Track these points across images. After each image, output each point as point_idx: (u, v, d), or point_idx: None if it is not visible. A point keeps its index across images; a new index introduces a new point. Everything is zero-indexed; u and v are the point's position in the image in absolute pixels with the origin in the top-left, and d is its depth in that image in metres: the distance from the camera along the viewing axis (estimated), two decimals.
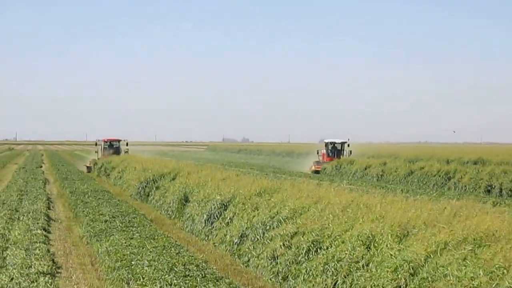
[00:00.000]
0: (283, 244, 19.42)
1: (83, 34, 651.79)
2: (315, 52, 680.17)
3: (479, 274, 12.00)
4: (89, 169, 72.30)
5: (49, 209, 34.55)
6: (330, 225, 18.51)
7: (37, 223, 27.60)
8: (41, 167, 78.10)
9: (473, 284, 11.91)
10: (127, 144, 79.09)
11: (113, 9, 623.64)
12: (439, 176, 55.30)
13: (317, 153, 79.27)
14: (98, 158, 74.66)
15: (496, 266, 11.93)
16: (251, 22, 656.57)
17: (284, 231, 20.01)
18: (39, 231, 25.44)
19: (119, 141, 79.83)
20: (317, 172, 71.43)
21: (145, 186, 40.86)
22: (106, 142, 79.29)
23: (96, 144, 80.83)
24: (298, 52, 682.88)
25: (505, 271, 11.71)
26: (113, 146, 78.56)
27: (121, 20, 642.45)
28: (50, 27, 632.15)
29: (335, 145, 78.07)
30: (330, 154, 76.91)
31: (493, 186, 48.99)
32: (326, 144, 78.73)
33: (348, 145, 76.81)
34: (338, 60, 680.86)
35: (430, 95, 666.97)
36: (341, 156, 75.70)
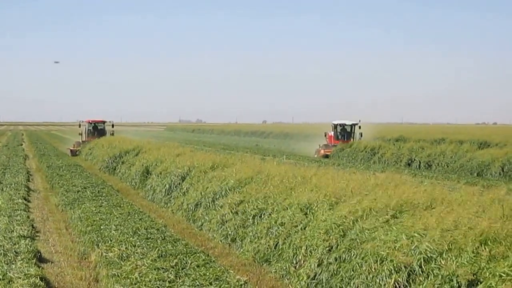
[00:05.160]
0: (231, 211, 19.50)
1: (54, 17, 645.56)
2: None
3: (402, 238, 12.11)
4: (73, 152, 58.90)
5: (29, 181, 34.25)
6: (271, 194, 18.59)
7: (18, 193, 27.40)
8: (21, 145, 77.15)
9: (395, 246, 12.01)
10: (112, 126, 65.26)
11: None
12: (366, 151, 55.31)
13: (325, 135, 63.72)
14: (82, 141, 61.96)
15: (417, 231, 12.04)
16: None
17: (231, 199, 20.08)
18: (20, 200, 25.27)
19: (104, 122, 66.27)
20: (326, 156, 57.87)
21: (113, 161, 40.75)
22: (91, 123, 65.14)
23: (79, 126, 65.47)
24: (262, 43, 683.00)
25: (423, 235, 11.82)
26: (97, 128, 64.66)
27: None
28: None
29: (345, 127, 62.69)
30: (339, 137, 61.85)
31: (412, 160, 49.55)
32: (335, 126, 62.65)
33: (360, 127, 61.58)
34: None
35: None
36: (351, 139, 61.38)
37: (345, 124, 62.85)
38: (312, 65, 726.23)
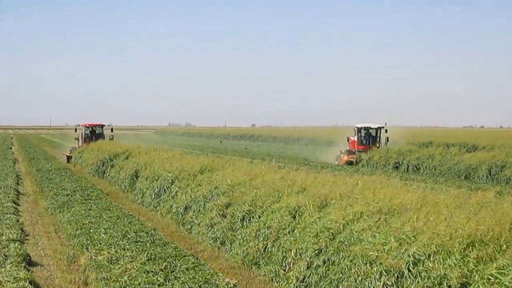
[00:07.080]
0: (218, 214, 19.49)
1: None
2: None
3: (391, 241, 12.11)
4: (69, 159, 54.07)
5: (18, 184, 34.15)
6: (260, 197, 18.60)
7: (8, 196, 27.30)
8: (11, 148, 76.97)
9: (384, 249, 12.01)
10: (112, 130, 60.67)
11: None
12: None
13: (347, 140, 57.92)
14: (79, 146, 56.88)
15: (406, 234, 12.05)
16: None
17: (219, 202, 20.08)
18: (9, 204, 25.18)
19: (102, 126, 60.52)
20: (350, 163, 53.09)
21: (102, 165, 40.67)
22: (88, 127, 59.65)
23: (75, 130, 61.28)
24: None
25: (413, 238, 11.82)
26: (95, 132, 58.97)
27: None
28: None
29: (370, 130, 56.67)
30: (364, 142, 56.11)
31: (400, 163, 49.51)
32: (359, 130, 56.60)
33: (386, 131, 55.86)
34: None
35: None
36: (377, 144, 55.78)
37: (370, 128, 56.85)
38: (302, 69, 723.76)
